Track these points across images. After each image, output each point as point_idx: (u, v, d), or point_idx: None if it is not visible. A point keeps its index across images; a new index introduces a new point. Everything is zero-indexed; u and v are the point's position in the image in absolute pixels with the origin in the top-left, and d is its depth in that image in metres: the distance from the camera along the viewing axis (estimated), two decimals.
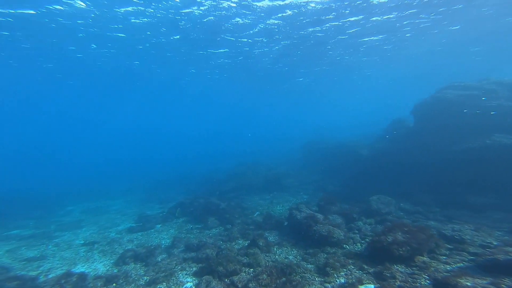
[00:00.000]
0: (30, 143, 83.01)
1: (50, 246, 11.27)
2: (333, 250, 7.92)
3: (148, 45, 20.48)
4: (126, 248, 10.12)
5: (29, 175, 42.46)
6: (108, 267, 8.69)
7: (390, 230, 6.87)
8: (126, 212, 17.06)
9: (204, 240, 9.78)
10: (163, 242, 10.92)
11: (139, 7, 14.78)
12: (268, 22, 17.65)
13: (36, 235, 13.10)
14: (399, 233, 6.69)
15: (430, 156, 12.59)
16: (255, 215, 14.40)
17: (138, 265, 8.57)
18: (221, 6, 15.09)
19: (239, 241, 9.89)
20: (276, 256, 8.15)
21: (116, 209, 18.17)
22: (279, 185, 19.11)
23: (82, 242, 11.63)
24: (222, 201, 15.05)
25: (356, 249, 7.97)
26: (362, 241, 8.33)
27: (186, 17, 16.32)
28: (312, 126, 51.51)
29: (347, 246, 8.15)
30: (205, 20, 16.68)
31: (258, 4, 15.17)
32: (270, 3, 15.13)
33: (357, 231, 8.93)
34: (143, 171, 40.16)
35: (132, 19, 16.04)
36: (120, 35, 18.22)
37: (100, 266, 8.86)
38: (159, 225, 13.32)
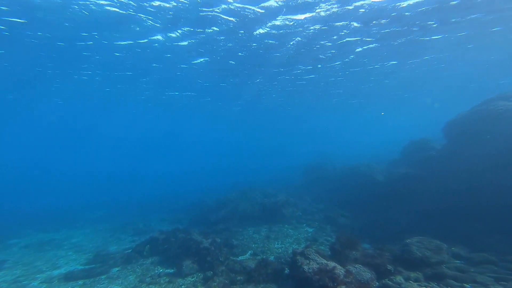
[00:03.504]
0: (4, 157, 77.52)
1: None
2: None
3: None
4: None
5: None
6: None
7: None
8: (83, 247, 13.52)
9: None
10: None
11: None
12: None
13: None
14: None
15: (476, 185, 9.73)
16: (247, 256, 11.11)
17: None
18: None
19: None
20: None
21: (74, 242, 14.61)
22: (278, 214, 15.89)
23: None
24: (206, 236, 11.82)
25: None
26: None
27: None
28: (314, 148, 48.96)
29: None
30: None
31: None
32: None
33: None
34: (132, 190, 36.61)
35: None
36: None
37: None
38: (117, 269, 9.96)
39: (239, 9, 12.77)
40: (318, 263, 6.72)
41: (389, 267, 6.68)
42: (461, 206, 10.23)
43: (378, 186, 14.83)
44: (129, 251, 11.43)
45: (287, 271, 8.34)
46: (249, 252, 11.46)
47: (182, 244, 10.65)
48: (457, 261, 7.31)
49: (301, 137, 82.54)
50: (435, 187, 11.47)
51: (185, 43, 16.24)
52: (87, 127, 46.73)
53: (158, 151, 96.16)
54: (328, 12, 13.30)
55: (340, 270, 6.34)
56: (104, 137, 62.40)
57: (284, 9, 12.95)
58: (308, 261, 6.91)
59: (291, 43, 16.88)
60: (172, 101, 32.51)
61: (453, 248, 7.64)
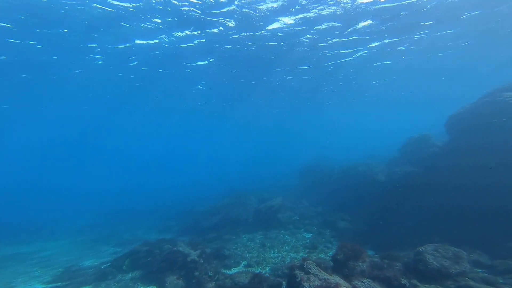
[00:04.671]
0: None
1: None
2: None
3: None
4: None
5: None
6: None
7: None
8: (53, 261, 12.00)
9: None
10: None
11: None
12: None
13: None
14: None
15: (487, 183, 8.92)
16: (240, 267, 10.04)
17: None
18: None
19: None
20: None
21: (44, 256, 13.09)
22: (274, 220, 14.86)
23: None
24: (195, 246, 10.68)
25: None
26: None
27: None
28: (311, 147, 48.04)
29: None
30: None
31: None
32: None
33: None
34: (123, 199, 35.02)
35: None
36: None
37: None
38: (87, 287, 8.73)
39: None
40: (320, 279, 5.71)
41: (403, 281, 5.72)
42: (471, 206, 9.39)
43: (379, 186, 13.97)
44: (107, 265, 10.20)
45: (284, 287, 7.31)
46: (243, 263, 10.39)
47: (167, 256, 9.51)
48: (479, 270, 6.42)
49: (297, 139, 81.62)
50: (441, 186, 10.63)
51: (193, 44, 15.70)
52: (77, 136, 45.18)
53: (154, 158, 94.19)
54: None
55: None
56: (99, 146, 60.62)
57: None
58: (308, 277, 5.89)
59: (298, 41, 16.18)
60: (171, 108, 31.62)
61: (471, 255, 6.75)
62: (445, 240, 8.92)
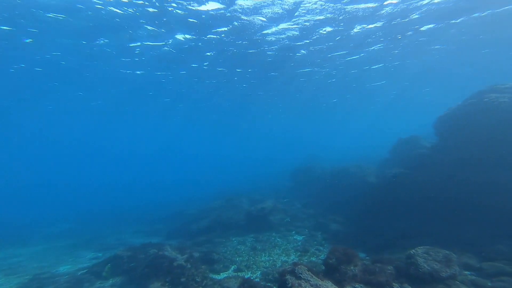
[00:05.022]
0: None
1: None
2: None
3: None
4: None
5: None
6: None
7: None
8: (22, 269, 10.86)
9: None
10: None
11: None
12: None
13: None
14: None
15: (475, 185, 8.97)
16: (229, 272, 9.72)
17: None
18: None
19: None
20: None
21: (13, 263, 11.75)
22: (265, 222, 14.60)
23: None
24: (183, 251, 10.32)
25: None
26: None
27: None
28: (303, 149, 47.99)
29: None
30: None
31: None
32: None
33: None
34: (111, 201, 33.91)
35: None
36: None
37: None
38: None
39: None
40: (311, 285, 5.49)
41: (396, 286, 5.57)
42: (461, 208, 9.44)
43: (371, 188, 13.97)
44: (84, 271, 9.64)
45: None
46: (232, 267, 10.06)
47: (152, 261, 9.08)
48: (468, 273, 6.35)
49: (289, 141, 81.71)
50: (431, 188, 10.67)
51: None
52: (62, 133, 43.60)
53: (143, 159, 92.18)
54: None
55: None
56: (84, 144, 58.70)
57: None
58: (299, 282, 5.67)
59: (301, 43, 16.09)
60: (163, 109, 31.03)
61: (460, 257, 6.70)
62: (436, 242, 8.92)
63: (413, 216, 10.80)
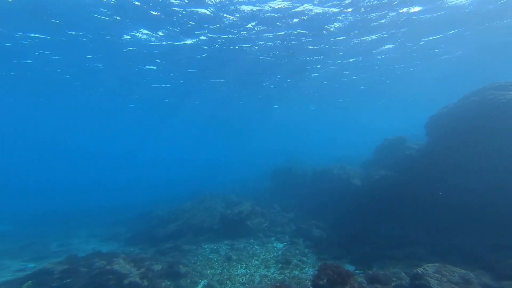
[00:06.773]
0: None
1: None
2: None
3: None
4: None
5: None
6: None
7: None
8: None
9: None
10: None
11: None
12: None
13: None
14: None
15: (472, 190, 8.36)
16: None
17: None
18: None
19: None
20: None
21: None
22: (242, 227, 13.14)
23: None
24: (139, 263, 8.47)
25: None
26: None
27: None
28: (281, 148, 47.05)
29: None
30: None
31: None
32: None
33: None
34: (68, 200, 29.90)
35: None
36: None
37: None
38: None
39: None
40: None
41: None
42: (454, 215, 8.83)
43: (355, 191, 13.21)
44: None
45: None
46: (202, 283, 8.48)
47: (94, 278, 7.14)
48: None
49: (266, 136, 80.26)
50: (420, 192, 10.04)
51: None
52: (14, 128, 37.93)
53: (114, 157, 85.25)
54: None
55: None
56: (46, 140, 52.32)
57: None
58: None
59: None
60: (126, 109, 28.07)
61: (477, 276, 5.83)
62: (430, 253, 8.16)
63: (402, 222, 10.10)
